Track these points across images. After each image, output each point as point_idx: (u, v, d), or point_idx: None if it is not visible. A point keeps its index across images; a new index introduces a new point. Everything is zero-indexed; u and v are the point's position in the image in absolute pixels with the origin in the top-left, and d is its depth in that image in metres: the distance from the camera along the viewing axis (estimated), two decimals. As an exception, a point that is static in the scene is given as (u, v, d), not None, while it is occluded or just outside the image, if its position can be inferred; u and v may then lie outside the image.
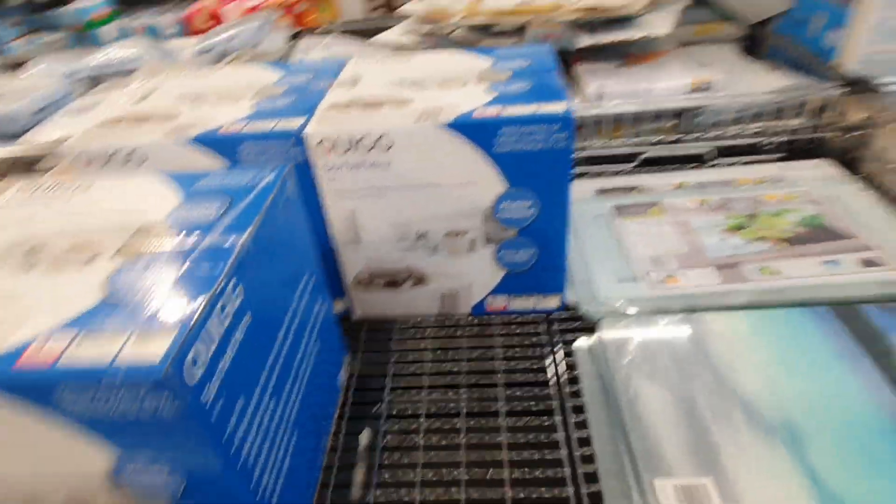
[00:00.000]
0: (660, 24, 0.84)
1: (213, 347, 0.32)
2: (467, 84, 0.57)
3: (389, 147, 0.51)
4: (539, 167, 0.52)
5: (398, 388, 0.56)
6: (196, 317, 0.31)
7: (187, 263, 0.35)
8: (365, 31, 1.38)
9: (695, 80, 0.81)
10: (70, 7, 2.97)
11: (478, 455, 0.49)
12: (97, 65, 1.06)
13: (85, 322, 0.31)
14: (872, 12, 0.81)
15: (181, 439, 0.31)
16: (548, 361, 0.57)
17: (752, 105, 0.82)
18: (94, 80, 1.08)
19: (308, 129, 0.51)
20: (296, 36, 1.32)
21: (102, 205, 0.43)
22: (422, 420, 0.53)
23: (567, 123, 0.49)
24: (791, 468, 0.42)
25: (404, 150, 0.51)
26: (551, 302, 0.61)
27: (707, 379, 0.50)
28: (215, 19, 2.94)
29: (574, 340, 0.58)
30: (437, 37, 0.95)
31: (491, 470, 0.48)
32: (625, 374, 0.51)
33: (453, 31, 0.97)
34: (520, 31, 0.94)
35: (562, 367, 0.56)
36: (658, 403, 0.48)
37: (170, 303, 0.32)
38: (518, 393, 0.54)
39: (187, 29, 3.00)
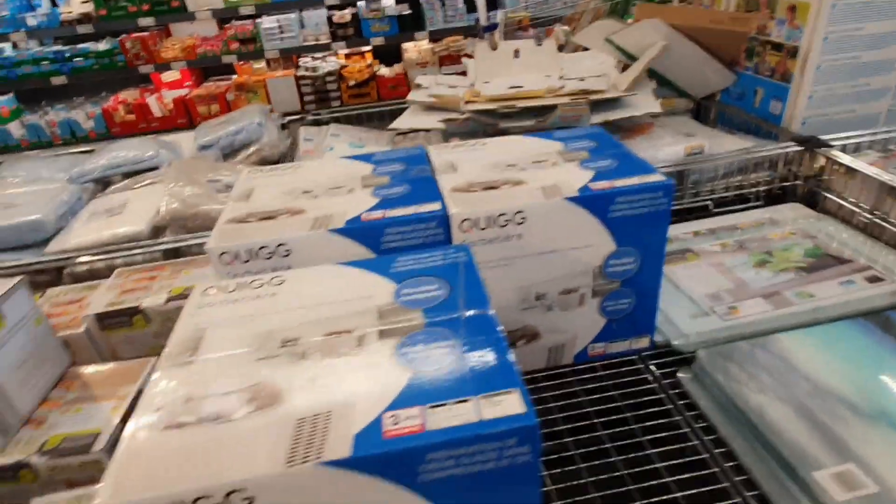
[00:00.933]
0: (651, 104, 1.01)
1: (524, 402, 0.37)
2: (558, 164, 0.67)
3: (523, 221, 0.59)
4: (642, 227, 0.61)
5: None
6: (519, 375, 0.35)
7: (463, 334, 0.39)
8: (349, 119, 1.47)
9: (687, 147, 0.97)
10: (-31, 107, 2.80)
11: (644, 481, 0.55)
12: (104, 166, 1.04)
13: (413, 398, 0.35)
14: (807, 87, 1.03)
15: (514, 488, 0.35)
16: (660, 393, 0.65)
17: (733, 164, 0.99)
18: (101, 182, 1.05)
19: (453, 211, 0.58)
20: (284, 127, 1.37)
21: (317, 295, 0.46)
22: (581, 467, 0.58)
23: (668, 190, 0.60)
24: (903, 446, 0.53)
25: (535, 222, 0.59)
26: (642, 342, 0.70)
27: (804, 386, 0.60)
28: (136, 112, 2.91)
29: (672, 372, 0.67)
30: (459, 121, 1.05)
31: (658, 495, 0.54)
32: (739, 393, 0.60)
33: (467, 116, 1.08)
34: (528, 112, 1.07)
35: (675, 397, 0.64)
36: (779, 413, 0.57)
37: (481, 367, 0.36)
38: (648, 424, 0.61)
39: (107, 121, 2.93)
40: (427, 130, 1.34)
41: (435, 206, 0.59)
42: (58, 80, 2.89)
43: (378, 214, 0.59)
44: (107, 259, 0.83)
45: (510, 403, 0.33)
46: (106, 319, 0.67)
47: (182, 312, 0.45)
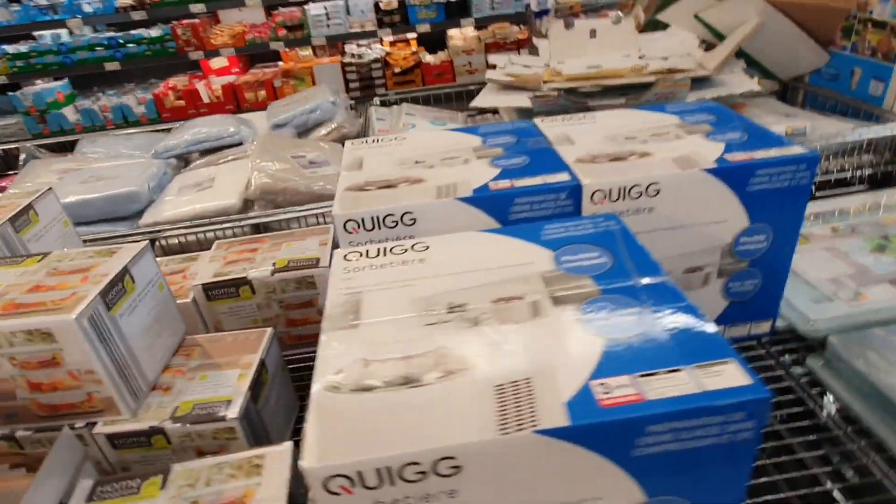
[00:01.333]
0: (747, 83, 0.96)
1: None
2: (681, 137, 0.63)
3: (656, 194, 0.56)
4: (780, 202, 0.58)
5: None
6: (728, 341, 0.33)
7: (646, 301, 0.37)
8: (415, 100, 1.45)
9: (789, 128, 0.93)
10: (27, 91, 2.86)
11: (788, 471, 0.52)
12: (189, 141, 1.04)
13: (616, 365, 0.32)
14: (916, 65, 0.97)
15: (726, 466, 0.32)
16: (788, 381, 0.61)
17: (832, 146, 0.94)
18: (182, 158, 1.05)
19: (585, 181, 0.55)
20: (352, 108, 1.35)
21: (469, 261, 0.44)
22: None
23: (813, 162, 0.56)
24: None
25: (669, 195, 0.56)
26: (763, 327, 0.66)
27: (955, 376, 0.56)
28: (186, 97, 2.93)
29: (797, 359, 0.63)
30: (550, 98, 1.02)
31: (807, 486, 0.50)
32: (883, 381, 0.56)
33: (559, 93, 1.04)
34: (614, 91, 1.04)
35: (805, 384, 0.61)
36: (933, 402, 0.53)
37: (682, 335, 0.34)
38: (782, 412, 0.58)
39: (158, 106, 2.97)
40: (494, 112, 1.32)
41: (564, 177, 0.56)
42: (111, 66, 2.93)
43: (506, 184, 0.56)
44: (201, 231, 0.82)
45: (732, 374, 0.31)
46: (213, 290, 0.67)
47: (331, 277, 0.44)
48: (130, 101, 2.95)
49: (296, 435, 0.62)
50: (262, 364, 0.55)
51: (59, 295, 0.46)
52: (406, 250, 0.47)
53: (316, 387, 0.33)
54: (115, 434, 0.48)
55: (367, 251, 0.47)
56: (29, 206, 0.65)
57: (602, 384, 0.31)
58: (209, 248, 0.81)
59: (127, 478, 0.44)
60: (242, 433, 0.49)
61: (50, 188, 0.68)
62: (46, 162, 1.09)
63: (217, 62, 3.14)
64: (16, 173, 1.33)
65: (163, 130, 1.23)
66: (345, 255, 0.47)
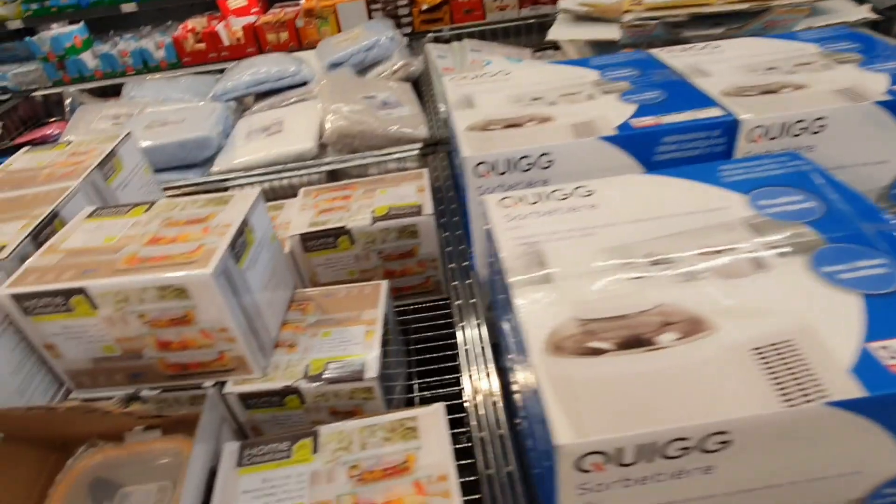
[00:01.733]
0: (856, 10, 0.88)
1: None
2: (831, 67, 0.57)
3: (820, 130, 0.50)
4: (952, 139, 0.52)
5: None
6: None
7: (889, 252, 0.32)
8: (471, 35, 1.36)
9: (906, 58, 0.84)
10: (44, 36, 2.75)
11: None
12: (248, 82, 0.97)
13: (889, 325, 0.28)
14: None
15: None
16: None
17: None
18: (239, 101, 0.99)
19: (743, 116, 0.49)
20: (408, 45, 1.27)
21: (649, 207, 0.39)
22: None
23: None
24: None
25: (834, 132, 0.50)
26: (903, 277, 0.62)
27: None
28: (206, 40, 2.81)
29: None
30: (648, 28, 0.94)
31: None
32: None
33: (656, 23, 0.96)
34: (707, 19, 0.95)
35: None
36: None
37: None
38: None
39: (178, 50, 2.85)
40: (556, 47, 1.24)
41: (715, 112, 0.50)
42: (128, 8, 2.80)
43: (650, 121, 0.51)
44: (278, 178, 0.78)
45: None
46: (310, 240, 0.62)
47: (493, 225, 0.39)
48: (149, 45, 2.84)
49: (409, 392, 0.60)
50: (386, 319, 0.52)
51: (186, 247, 0.42)
52: (567, 196, 0.42)
53: (534, 349, 0.29)
54: (248, 394, 0.46)
55: (526, 196, 0.42)
56: (113, 153, 0.60)
57: (884, 347, 0.27)
58: (284, 196, 0.77)
59: (274, 440, 0.41)
60: (379, 392, 0.46)
61: (129, 133, 0.63)
62: (97, 107, 1.03)
63: (235, 1, 2.99)
64: (59, 119, 1.27)
65: (212, 72, 1.16)
66: (500, 201, 0.42)
